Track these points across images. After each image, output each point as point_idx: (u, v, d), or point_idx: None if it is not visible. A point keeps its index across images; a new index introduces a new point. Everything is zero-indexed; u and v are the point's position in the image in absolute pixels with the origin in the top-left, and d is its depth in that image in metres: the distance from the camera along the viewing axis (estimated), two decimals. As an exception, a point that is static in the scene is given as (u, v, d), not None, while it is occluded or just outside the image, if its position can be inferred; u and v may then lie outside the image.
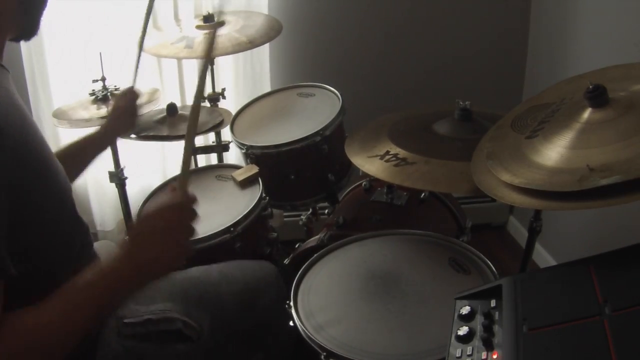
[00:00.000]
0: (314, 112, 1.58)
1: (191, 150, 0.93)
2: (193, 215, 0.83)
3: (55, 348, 0.74)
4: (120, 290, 0.80)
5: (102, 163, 1.70)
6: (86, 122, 1.48)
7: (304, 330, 0.99)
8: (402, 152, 1.21)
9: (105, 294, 0.77)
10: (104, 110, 1.49)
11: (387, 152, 1.23)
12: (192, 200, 0.84)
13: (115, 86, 1.56)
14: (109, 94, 1.53)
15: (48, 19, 1.66)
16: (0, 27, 0.82)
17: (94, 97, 1.53)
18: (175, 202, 0.83)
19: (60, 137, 1.85)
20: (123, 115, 1.37)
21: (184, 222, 0.82)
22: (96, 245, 1.08)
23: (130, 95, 1.40)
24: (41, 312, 0.73)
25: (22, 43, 1.66)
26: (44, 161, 0.82)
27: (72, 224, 0.89)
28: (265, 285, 1.14)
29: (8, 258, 0.70)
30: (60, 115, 1.48)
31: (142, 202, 1.49)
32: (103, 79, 1.53)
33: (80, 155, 1.25)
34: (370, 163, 1.21)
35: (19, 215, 0.74)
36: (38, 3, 0.85)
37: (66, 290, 0.76)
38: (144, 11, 1.70)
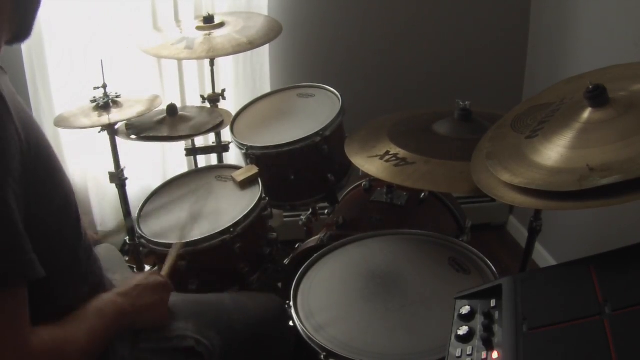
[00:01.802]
0: (314, 113, 1.58)
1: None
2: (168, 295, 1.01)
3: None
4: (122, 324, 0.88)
5: (103, 163, 1.71)
6: (87, 129, 1.47)
7: (304, 330, 0.99)
8: (402, 152, 1.22)
9: (115, 322, 0.85)
10: (105, 118, 1.48)
11: (387, 152, 1.23)
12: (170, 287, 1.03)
13: (116, 93, 1.56)
14: (110, 101, 1.53)
15: (49, 23, 1.68)
16: None
17: (95, 104, 1.53)
18: (167, 285, 1.01)
19: (61, 139, 1.85)
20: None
21: (165, 299, 0.99)
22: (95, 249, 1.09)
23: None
24: (68, 328, 0.76)
25: (24, 47, 1.68)
26: (51, 164, 0.82)
27: (76, 225, 0.89)
28: (272, 315, 1.15)
29: (37, 259, 0.70)
30: (61, 123, 1.47)
31: (142, 203, 1.49)
32: (104, 86, 1.53)
33: None
34: (370, 163, 1.22)
35: (32, 218, 0.73)
36: (33, 2, 0.84)
37: (88, 311, 0.82)
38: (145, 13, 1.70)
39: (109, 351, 0.89)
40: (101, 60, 1.49)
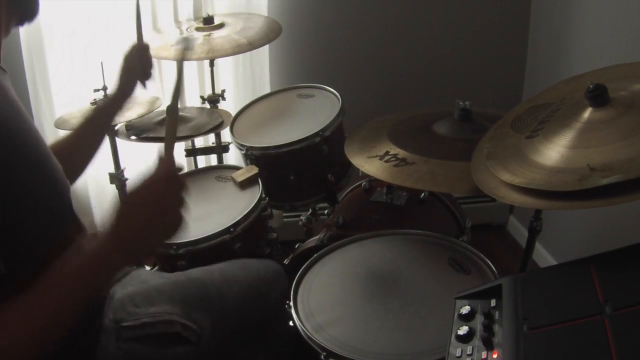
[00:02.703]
0: (314, 113, 1.58)
1: (176, 119, 0.89)
2: (181, 184, 0.79)
3: (46, 337, 0.71)
4: (111, 267, 0.76)
5: (103, 164, 1.71)
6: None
7: (303, 330, 0.99)
8: (401, 153, 1.21)
9: (95, 273, 0.74)
10: None
11: (387, 153, 1.23)
12: (179, 168, 0.81)
13: None
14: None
15: (49, 24, 1.68)
16: None
17: (95, 106, 1.53)
18: (161, 171, 0.79)
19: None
20: (136, 73, 1.22)
21: (173, 193, 0.78)
22: None
23: (141, 50, 1.23)
24: (33, 299, 0.70)
25: (24, 50, 1.68)
26: (40, 159, 0.81)
27: (70, 222, 0.88)
28: (269, 285, 1.14)
29: None
30: (62, 125, 1.48)
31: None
32: (104, 88, 1.53)
33: (101, 120, 1.19)
34: (370, 163, 1.21)
35: (12, 212, 0.73)
36: None
37: (56, 275, 0.72)
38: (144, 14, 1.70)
39: (94, 344, 0.88)
40: (101, 63, 1.50)
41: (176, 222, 0.77)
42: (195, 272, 1.11)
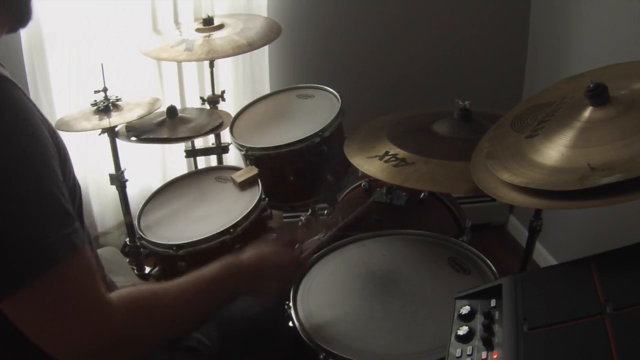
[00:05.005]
0: (313, 114, 1.58)
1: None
2: (298, 276, 1.07)
3: (170, 330, 0.78)
4: (235, 290, 0.89)
5: (103, 165, 1.71)
6: (88, 132, 1.48)
7: (303, 331, 0.99)
8: (401, 153, 1.21)
9: (223, 288, 0.85)
10: (105, 121, 1.48)
11: (387, 153, 1.23)
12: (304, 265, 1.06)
13: (116, 96, 1.56)
14: (110, 104, 1.53)
15: (49, 26, 1.68)
16: None
17: (95, 107, 1.53)
18: (296, 262, 1.01)
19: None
20: None
21: (292, 277, 1.04)
22: (100, 251, 1.08)
23: None
24: (159, 285, 0.78)
25: (25, 52, 1.68)
26: (67, 157, 0.83)
27: (80, 221, 0.89)
28: (267, 307, 1.16)
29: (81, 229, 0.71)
30: (62, 126, 1.48)
31: (142, 204, 1.48)
32: (105, 90, 1.53)
33: None
34: (369, 164, 1.21)
35: None
36: None
37: (196, 277, 0.82)
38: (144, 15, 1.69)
39: None
40: (101, 64, 1.50)
41: (278, 292, 1.02)
42: None
